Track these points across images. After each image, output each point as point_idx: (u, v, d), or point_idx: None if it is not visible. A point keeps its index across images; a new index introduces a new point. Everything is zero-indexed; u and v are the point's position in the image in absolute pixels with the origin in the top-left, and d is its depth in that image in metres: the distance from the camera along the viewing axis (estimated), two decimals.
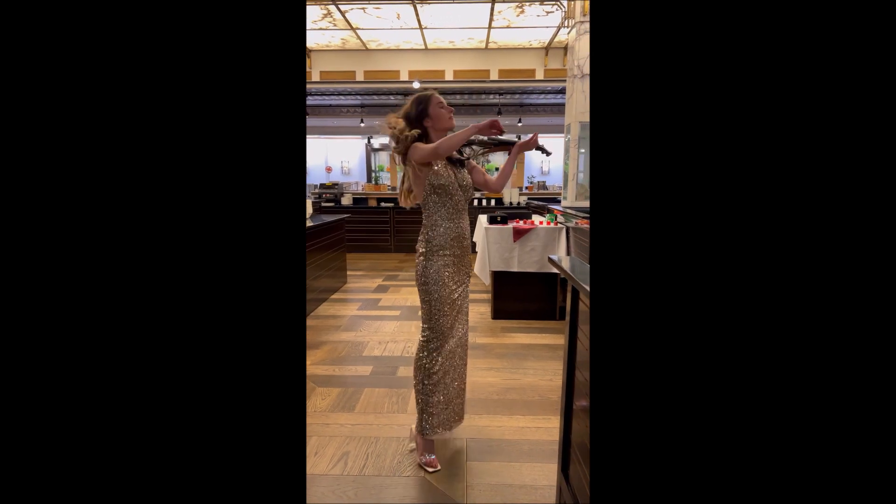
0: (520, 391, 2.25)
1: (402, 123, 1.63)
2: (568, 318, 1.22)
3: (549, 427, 1.92)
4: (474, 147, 1.79)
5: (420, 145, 1.60)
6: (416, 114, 1.65)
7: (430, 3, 4.74)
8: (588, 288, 0.90)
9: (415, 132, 1.61)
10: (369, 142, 10.75)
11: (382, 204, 6.96)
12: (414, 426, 1.77)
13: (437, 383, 1.66)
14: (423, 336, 1.69)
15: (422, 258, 1.67)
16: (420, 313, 1.72)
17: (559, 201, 6.03)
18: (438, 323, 1.65)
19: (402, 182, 1.75)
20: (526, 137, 1.73)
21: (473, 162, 1.81)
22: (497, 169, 9.73)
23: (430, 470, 1.64)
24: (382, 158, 11.02)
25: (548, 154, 1.88)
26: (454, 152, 1.66)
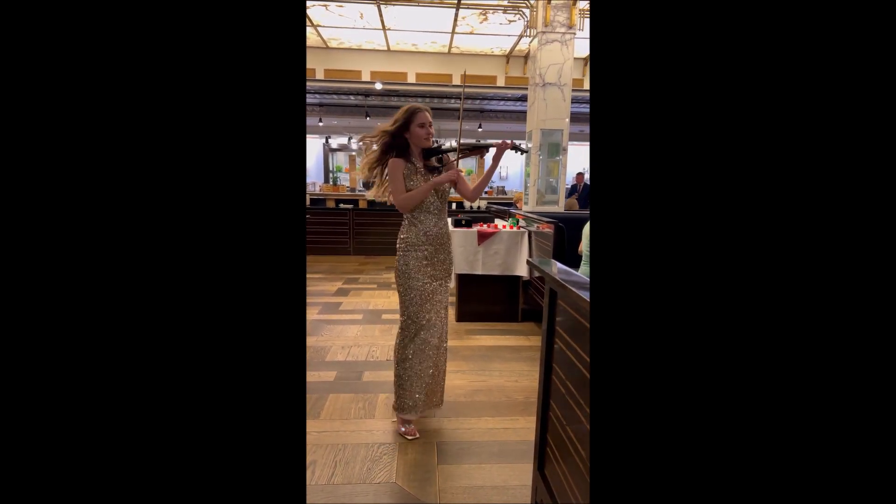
0: (487, 393, 2.27)
1: (375, 152, 1.83)
2: (545, 319, 1.24)
3: (517, 427, 1.94)
4: (449, 154, 1.89)
5: (396, 171, 1.77)
6: (402, 123, 1.80)
7: (394, 4, 4.71)
8: (585, 295, 0.92)
9: (376, 152, 1.83)
10: (327, 141, 10.52)
11: (341, 205, 6.82)
12: (393, 402, 1.94)
13: (409, 367, 1.84)
14: (399, 324, 1.86)
15: (400, 254, 1.84)
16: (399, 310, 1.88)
17: (512, 205, 6.16)
18: (409, 311, 1.82)
19: (380, 183, 1.89)
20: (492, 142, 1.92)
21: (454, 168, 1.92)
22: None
23: (409, 438, 1.83)
24: (340, 159, 10.82)
25: (524, 152, 1.96)
26: (433, 160, 1.86)
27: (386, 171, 1.81)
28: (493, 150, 1.85)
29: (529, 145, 4.25)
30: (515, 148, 1.84)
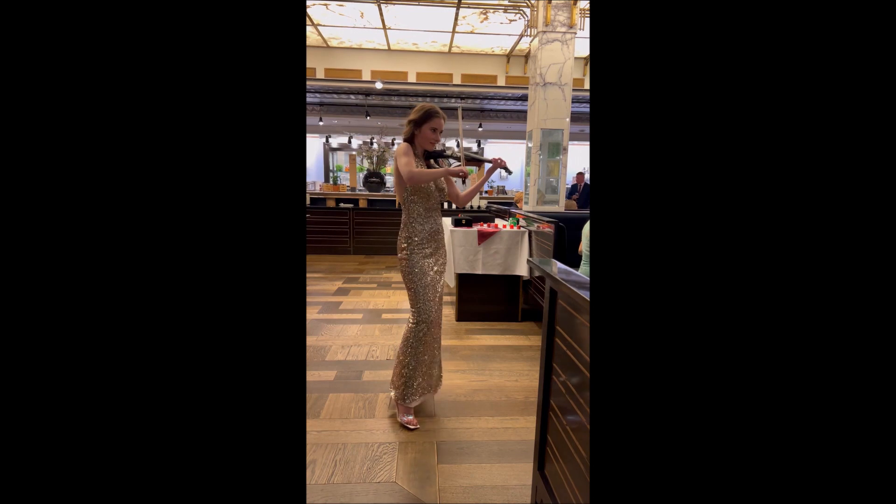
0: (486, 392, 2.27)
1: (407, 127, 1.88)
2: (545, 318, 1.24)
3: (516, 427, 1.94)
4: (450, 160, 2.01)
5: (404, 155, 1.81)
6: (417, 120, 1.86)
7: (394, 4, 4.71)
8: (584, 294, 0.92)
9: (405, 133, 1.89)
10: (327, 141, 10.51)
11: (341, 205, 6.81)
12: (393, 395, 2.00)
13: (419, 361, 1.91)
14: (412, 321, 1.90)
15: (406, 253, 1.88)
16: (409, 299, 1.93)
17: (512, 204, 6.16)
18: (425, 308, 1.88)
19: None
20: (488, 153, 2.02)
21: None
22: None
23: (412, 428, 1.89)
24: (340, 158, 10.81)
25: (510, 172, 2.07)
26: (433, 161, 1.94)
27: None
28: (486, 165, 1.98)
29: (530, 143, 4.25)
30: (504, 167, 1.98)
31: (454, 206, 6.84)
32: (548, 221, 3.08)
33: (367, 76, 6.32)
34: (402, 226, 1.92)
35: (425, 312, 1.88)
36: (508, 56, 6.30)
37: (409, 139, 1.88)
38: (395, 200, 6.65)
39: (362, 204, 6.89)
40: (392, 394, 2.01)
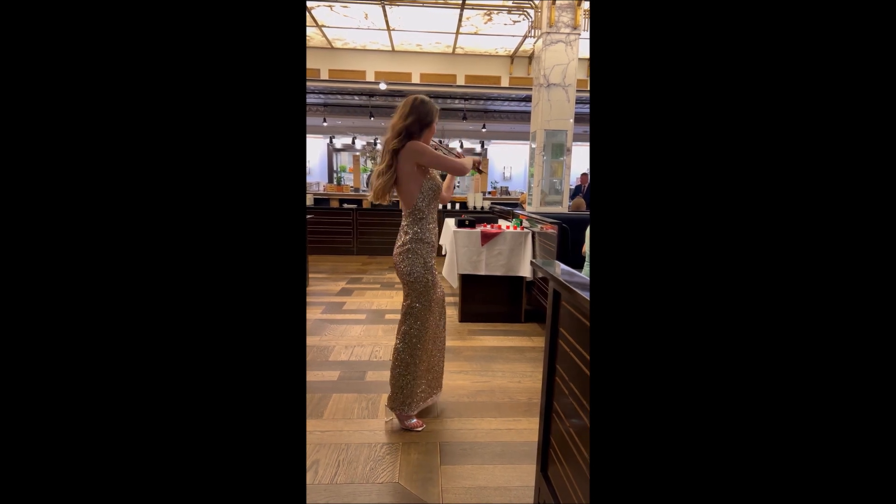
0: (489, 393, 2.27)
1: (402, 122, 1.69)
2: (549, 320, 1.24)
3: (519, 428, 1.94)
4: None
5: (427, 152, 1.67)
6: (428, 119, 1.70)
7: (398, 5, 4.72)
8: (585, 295, 0.92)
9: (394, 142, 1.71)
10: (331, 141, 10.54)
11: (345, 205, 6.83)
12: (386, 404, 1.93)
13: (418, 365, 1.84)
14: (412, 329, 1.80)
15: (420, 260, 1.75)
16: (405, 312, 1.84)
17: (516, 205, 6.15)
18: (427, 320, 1.80)
19: (378, 178, 1.76)
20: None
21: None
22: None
23: (419, 429, 1.87)
24: (344, 159, 10.84)
25: (481, 172, 2.07)
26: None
27: (398, 164, 1.71)
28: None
29: (533, 144, 4.24)
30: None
31: (447, 206, 6.84)
32: (551, 222, 3.07)
33: (370, 77, 6.33)
34: (410, 239, 1.74)
35: (425, 327, 1.81)
36: (512, 57, 6.30)
37: (411, 137, 1.71)
38: (397, 200, 6.64)
39: (366, 204, 6.90)
40: (388, 404, 1.92)
